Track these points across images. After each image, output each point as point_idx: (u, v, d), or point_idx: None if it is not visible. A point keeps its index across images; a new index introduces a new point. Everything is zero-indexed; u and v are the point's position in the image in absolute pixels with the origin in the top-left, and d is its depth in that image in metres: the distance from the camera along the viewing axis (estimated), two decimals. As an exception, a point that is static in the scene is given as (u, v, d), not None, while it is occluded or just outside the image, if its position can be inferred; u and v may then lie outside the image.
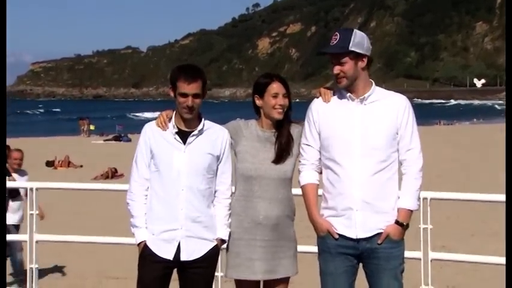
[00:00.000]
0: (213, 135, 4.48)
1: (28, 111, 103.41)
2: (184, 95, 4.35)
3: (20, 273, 8.52)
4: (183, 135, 4.43)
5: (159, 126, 4.46)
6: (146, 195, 4.43)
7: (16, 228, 8.51)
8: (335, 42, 4.29)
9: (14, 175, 8.81)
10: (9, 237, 7.46)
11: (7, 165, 8.84)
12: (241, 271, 4.46)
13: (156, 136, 4.44)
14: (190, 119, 4.42)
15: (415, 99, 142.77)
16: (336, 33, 4.33)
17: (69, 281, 9.13)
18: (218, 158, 4.48)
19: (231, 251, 4.52)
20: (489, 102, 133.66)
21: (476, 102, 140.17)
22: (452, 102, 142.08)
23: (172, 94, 4.44)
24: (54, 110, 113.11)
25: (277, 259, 4.48)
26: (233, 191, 4.57)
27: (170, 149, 4.40)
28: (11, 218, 8.39)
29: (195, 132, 4.44)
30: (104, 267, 10.04)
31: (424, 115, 61.30)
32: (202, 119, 4.50)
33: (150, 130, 4.48)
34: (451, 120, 68.91)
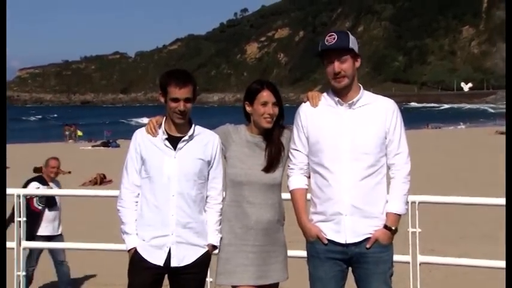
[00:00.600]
0: (203, 140, 4.47)
1: (35, 117, 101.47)
2: (176, 100, 4.34)
3: (69, 284, 8.39)
4: (173, 141, 4.42)
5: (149, 133, 4.44)
6: (137, 202, 4.41)
7: (50, 238, 8.16)
8: (334, 41, 4.25)
9: (51, 184, 8.68)
10: (42, 245, 7.28)
11: (43, 174, 8.74)
12: (232, 277, 4.43)
13: (146, 142, 4.43)
14: (181, 124, 4.40)
15: (404, 103, 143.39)
16: (332, 33, 4.30)
17: (57, 288, 9.07)
18: (209, 163, 4.47)
19: (220, 257, 4.50)
20: (477, 106, 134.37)
21: (465, 106, 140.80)
22: (445, 106, 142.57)
23: (162, 100, 4.43)
24: (51, 116, 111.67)
25: (268, 264, 4.46)
26: (224, 196, 4.56)
27: (160, 155, 4.39)
28: (46, 229, 8.14)
29: (186, 137, 4.43)
30: (92, 274, 10.00)
31: (412, 119, 61.58)
32: (193, 125, 4.48)
33: (140, 136, 4.47)
34: (439, 124, 69.17)
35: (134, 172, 4.42)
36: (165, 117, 4.47)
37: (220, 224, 4.48)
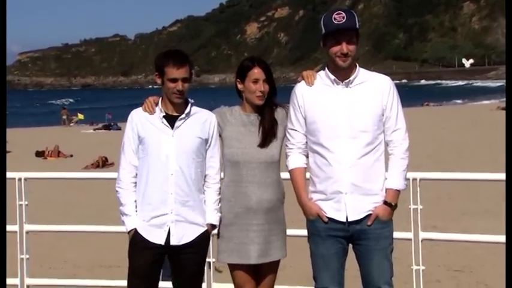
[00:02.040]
0: (201, 118, 4.49)
1: (54, 102, 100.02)
2: (174, 80, 4.35)
3: None
4: (171, 120, 4.43)
5: (146, 111, 4.46)
6: (135, 183, 4.42)
7: None
8: (343, 20, 4.21)
9: None
10: None
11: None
12: (235, 256, 4.47)
13: (143, 121, 4.44)
14: (179, 103, 4.42)
15: (405, 80, 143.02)
16: (340, 12, 4.25)
17: (61, 270, 9.13)
18: (207, 142, 4.49)
19: (222, 236, 4.53)
20: (478, 82, 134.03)
21: (466, 82, 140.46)
22: (446, 83, 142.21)
23: (159, 81, 4.43)
24: (71, 100, 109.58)
25: (269, 242, 4.49)
26: (222, 176, 4.57)
27: (158, 133, 4.40)
28: None
29: (183, 116, 4.45)
30: (96, 256, 10.05)
31: (413, 96, 61.44)
32: (189, 104, 4.49)
33: (136, 116, 4.48)
34: (440, 101, 69.07)
35: (131, 152, 4.43)
36: (161, 98, 4.48)
37: (219, 203, 4.50)
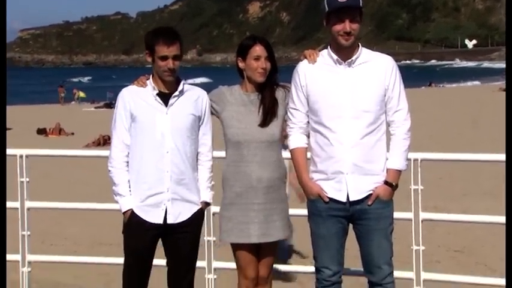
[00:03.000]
0: (193, 96, 4.45)
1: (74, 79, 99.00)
2: (165, 58, 4.31)
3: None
4: (163, 98, 4.38)
5: (138, 85, 4.39)
6: (127, 162, 4.36)
7: None
8: None
9: None
10: None
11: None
12: (236, 235, 4.47)
13: (135, 99, 4.38)
14: (170, 81, 4.38)
15: (407, 61, 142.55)
16: None
17: (62, 247, 9.17)
18: (200, 119, 4.46)
19: (223, 215, 4.53)
20: (481, 63, 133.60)
21: (469, 63, 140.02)
22: (449, 64, 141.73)
23: (149, 59, 4.39)
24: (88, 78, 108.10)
25: (270, 222, 4.49)
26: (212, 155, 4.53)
27: (152, 111, 4.36)
28: None
29: (176, 93, 4.40)
30: (97, 234, 10.08)
31: (415, 77, 61.32)
32: (181, 82, 4.46)
33: (128, 94, 4.41)
34: (442, 81, 68.89)
35: (124, 130, 4.37)
36: (151, 75, 4.44)
37: (212, 180, 4.50)
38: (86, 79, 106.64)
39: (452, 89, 57.16)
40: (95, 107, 42.83)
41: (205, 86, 4.84)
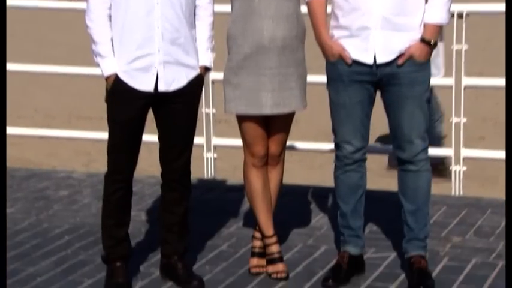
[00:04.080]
0: None
1: None
2: None
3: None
4: None
5: None
6: (110, 16, 4.28)
7: None
8: None
9: None
10: None
11: None
12: (244, 105, 4.45)
13: None
14: None
15: None
16: None
17: (31, 121, 9.28)
18: None
19: (229, 82, 4.49)
20: None
21: None
22: None
23: None
24: None
25: (285, 90, 4.46)
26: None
27: None
28: None
29: None
30: (73, 105, 10.20)
31: None
32: None
33: None
34: None
35: None
36: None
37: (212, 41, 4.47)
38: None
39: None
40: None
41: None
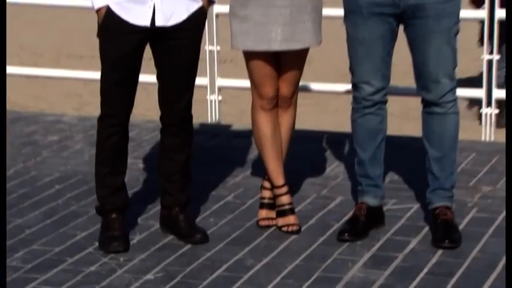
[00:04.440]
0: None
1: None
2: None
3: None
4: None
5: None
6: None
7: None
8: None
9: None
10: None
11: None
12: (253, 40, 4.42)
13: None
14: None
15: None
16: None
17: (16, 59, 9.20)
18: None
19: (235, 14, 4.46)
20: None
21: None
22: None
23: None
24: None
25: (298, 23, 4.41)
26: None
27: None
28: None
29: None
30: (62, 43, 10.14)
31: None
32: None
33: None
34: None
35: None
36: None
37: None
38: None
39: None
40: None
41: None
